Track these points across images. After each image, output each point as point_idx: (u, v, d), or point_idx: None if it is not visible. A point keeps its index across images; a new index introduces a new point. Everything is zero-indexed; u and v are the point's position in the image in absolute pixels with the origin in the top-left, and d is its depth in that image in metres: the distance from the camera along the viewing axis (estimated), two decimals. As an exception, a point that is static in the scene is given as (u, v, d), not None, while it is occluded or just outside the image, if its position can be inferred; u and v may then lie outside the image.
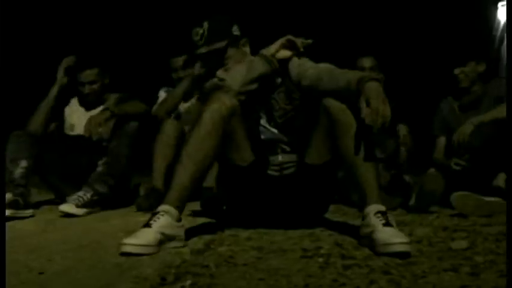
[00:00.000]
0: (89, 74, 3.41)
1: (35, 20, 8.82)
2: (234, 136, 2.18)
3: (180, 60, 3.69)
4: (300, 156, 2.31)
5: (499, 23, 10.68)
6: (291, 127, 2.34)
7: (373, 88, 1.94)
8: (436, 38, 8.31)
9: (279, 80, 2.35)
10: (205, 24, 2.35)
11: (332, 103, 2.11)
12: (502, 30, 10.70)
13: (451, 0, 10.07)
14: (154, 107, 3.53)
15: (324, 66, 2.28)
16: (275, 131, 2.35)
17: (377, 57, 3.68)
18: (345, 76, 2.11)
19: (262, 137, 2.35)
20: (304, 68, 2.31)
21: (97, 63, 3.46)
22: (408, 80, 9.52)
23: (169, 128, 3.27)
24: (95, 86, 3.44)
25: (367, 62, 3.57)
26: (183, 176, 2.00)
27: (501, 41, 10.86)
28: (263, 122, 2.35)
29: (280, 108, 2.34)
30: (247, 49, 2.44)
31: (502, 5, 10.46)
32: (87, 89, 3.43)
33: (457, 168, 3.11)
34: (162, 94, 3.68)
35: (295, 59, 2.36)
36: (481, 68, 3.36)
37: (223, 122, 2.06)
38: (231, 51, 2.37)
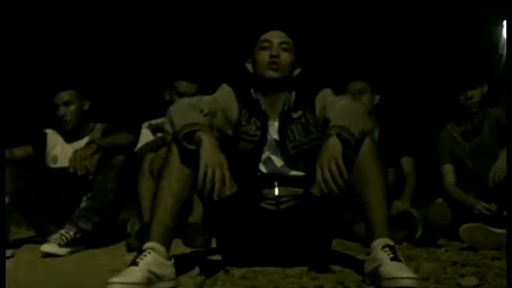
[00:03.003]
0: (63, 95, 3.22)
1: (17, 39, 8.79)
2: None
3: (191, 87, 3.54)
4: (305, 188, 2.23)
5: (504, 41, 10.65)
6: (301, 160, 2.26)
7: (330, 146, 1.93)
8: (440, 61, 8.27)
9: (300, 112, 2.32)
10: None
11: None
12: (508, 48, 10.68)
13: (455, 20, 10.07)
14: (138, 146, 3.50)
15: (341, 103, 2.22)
16: (279, 164, 2.27)
17: (380, 86, 3.62)
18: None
19: (264, 170, 2.26)
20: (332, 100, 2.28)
21: (73, 85, 3.29)
22: (411, 108, 9.47)
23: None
24: (70, 108, 3.23)
25: (358, 85, 3.50)
26: (163, 210, 1.95)
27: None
28: (268, 153, 2.27)
29: (296, 139, 2.28)
30: None
31: (508, 23, 10.47)
32: (61, 111, 3.22)
33: (487, 213, 3.01)
34: (145, 131, 3.62)
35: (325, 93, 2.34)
36: (485, 89, 3.27)
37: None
38: None
